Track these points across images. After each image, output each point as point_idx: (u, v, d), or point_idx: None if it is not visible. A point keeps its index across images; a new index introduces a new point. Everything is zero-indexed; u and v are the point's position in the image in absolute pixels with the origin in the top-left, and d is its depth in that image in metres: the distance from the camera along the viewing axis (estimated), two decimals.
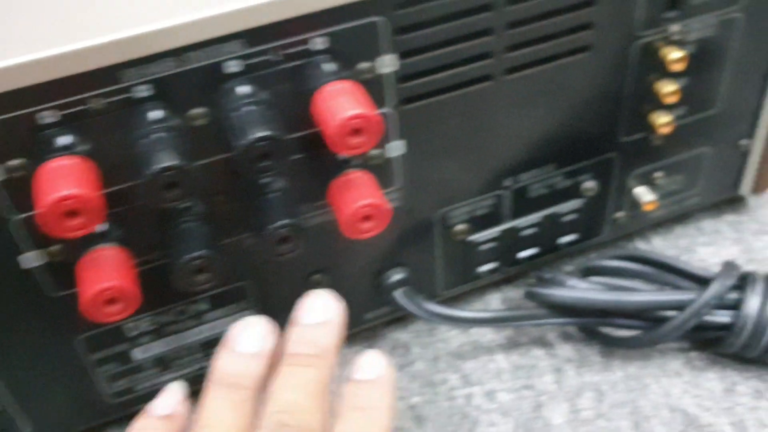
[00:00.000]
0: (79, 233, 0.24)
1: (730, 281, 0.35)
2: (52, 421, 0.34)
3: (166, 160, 0.25)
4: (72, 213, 0.24)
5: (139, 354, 0.33)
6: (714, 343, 0.36)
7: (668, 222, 0.43)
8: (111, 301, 0.26)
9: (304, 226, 0.28)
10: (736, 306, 0.35)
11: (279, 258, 0.28)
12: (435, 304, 0.35)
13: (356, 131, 0.26)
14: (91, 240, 0.28)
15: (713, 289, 0.35)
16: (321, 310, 0.28)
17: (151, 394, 0.34)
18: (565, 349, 0.38)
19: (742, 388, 0.36)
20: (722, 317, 0.35)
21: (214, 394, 0.27)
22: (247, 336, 0.28)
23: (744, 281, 0.36)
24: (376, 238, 0.33)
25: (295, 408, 0.26)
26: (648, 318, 0.36)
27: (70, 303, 0.30)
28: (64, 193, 0.24)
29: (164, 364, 0.34)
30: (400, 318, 0.40)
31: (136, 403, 0.35)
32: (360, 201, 0.28)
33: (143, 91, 0.26)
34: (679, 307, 0.35)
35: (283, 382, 0.27)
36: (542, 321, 0.36)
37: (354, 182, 0.29)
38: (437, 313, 0.35)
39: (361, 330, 0.38)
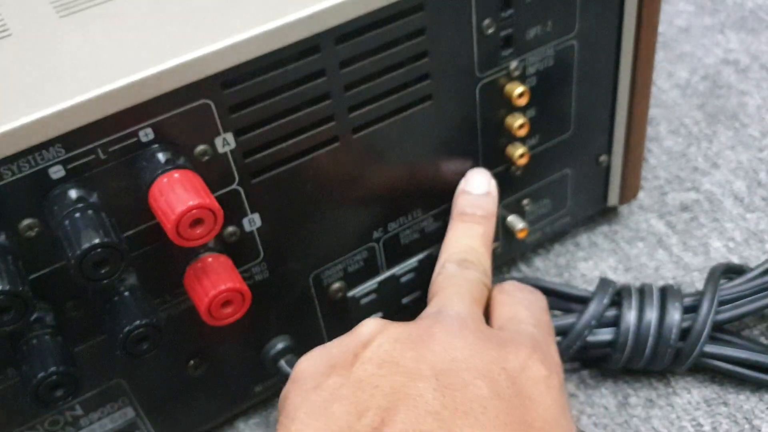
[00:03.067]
0: None
1: (607, 300, 0.36)
2: None
3: None
4: None
5: None
6: (602, 359, 0.37)
7: (546, 242, 0.44)
8: None
9: (160, 324, 0.27)
10: (615, 322, 0.36)
11: (141, 357, 0.27)
12: None
13: (196, 221, 0.26)
14: None
15: (591, 311, 0.36)
16: (485, 183, 0.36)
17: None
18: None
19: (634, 400, 0.36)
20: (604, 335, 0.36)
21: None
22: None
23: (620, 296, 0.37)
24: (251, 312, 0.33)
25: (472, 250, 0.33)
26: None
27: None
28: None
29: None
30: None
31: None
32: (215, 289, 0.28)
33: None
34: (562, 332, 0.36)
35: (461, 233, 0.34)
36: None
37: (207, 269, 0.28)
38: None
39: (252, 403, 0.37)
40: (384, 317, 0.37)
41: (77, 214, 0.25)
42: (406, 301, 0.38)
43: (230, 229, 0.30)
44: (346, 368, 0.27)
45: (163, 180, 0.26)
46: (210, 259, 0.29)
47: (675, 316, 0.35)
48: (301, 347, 0.35)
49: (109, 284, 0.25)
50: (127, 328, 0.27)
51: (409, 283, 0.37)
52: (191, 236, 0.25)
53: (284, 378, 0.36)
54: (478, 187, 0.36)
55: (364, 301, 0.36)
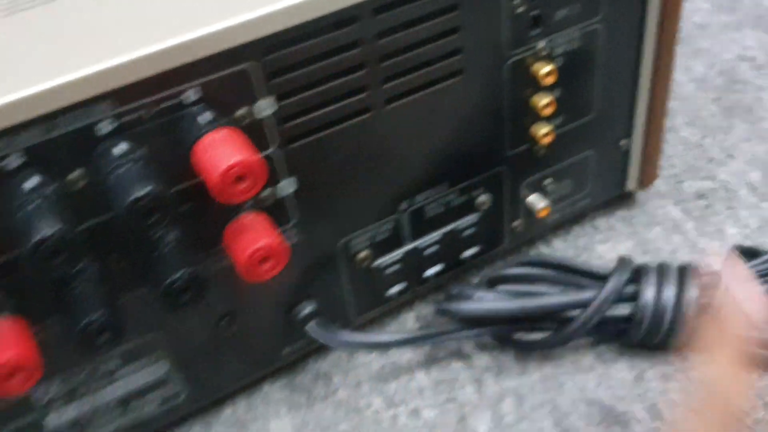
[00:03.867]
0: None
1: (626, 275, 0.37)
2: None
3: (44, 229, 0.25)
4: None
5: (53, 421, 0.33)
6: (619, 335, 0.38)
7: (565, 224, 0.45)
8: (11, 374, 0.26)
9: (203, 275, 0.28)
10: (634, 298, 0.37)
11: (183, 309, 0.28)
12: (348, 333, 0.36)
13: (240, 178, 0.27)
14: None
15: (611, 285, 0.37)
16: None
17: None
18: (483, 359, 0.39)
19: (650, 374, 0.37)
20: (622, 310, 0.37)
21: None
22: None
23: (638, 274, 0.38)
24: (281, 275, 0.34)
25: None
26: (555, 320, 0.37)
27: None
28: None
29: (80, 428, 0.34)
30: (320, 348, 0.40)
31: None
32: (254, 245, 0.29)
33: (15, 161, 0.26)
34: (582, 305, 0.37)
35: None
36: (455, 335, 0.37)
37: (247, 226, 0.29)
38: (351, 341, 0.35)
39: (280, 366, 0.39)
40: (406, 288, 0.39)
41: (125, 167, 0.27)
42: (427, 274, 0.39)
43: (265, 192, 0.32)
44: None
45: (208, 138, 0.27)
46: (249, 217, 0.30)
47: (693, 292, 0.36)
48: (326, 312, 0.37)
49: (155, 234, 0.26)
50: (170, 278, 0.28)
51: (431, 256, 0.38)
52: (234, 192, 0.27)
53: (311, 342, 0.37)
54: None
55: (388, 271, 0.37)
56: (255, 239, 0.29)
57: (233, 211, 0.30)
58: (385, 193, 0.35)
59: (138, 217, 0.26)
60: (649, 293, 0.37)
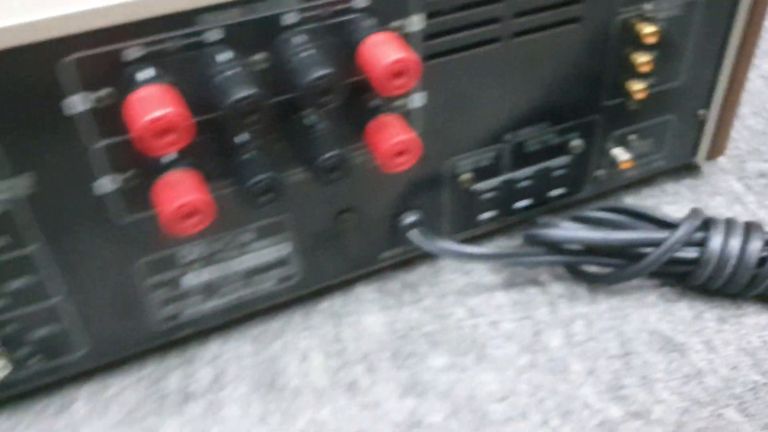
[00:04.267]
0: (172, 149, 0.28)
1: (697, 222, 0.41)
2: (105, 344, 0.37)
3: (243, 90, 0.29)
4: (164, 131, 0.28)
5: (188, 281, 0.37)
6: (683, 277, 0.42)
7: (637, 184, 0.49)
8: (189, 215, 0.31)
9: (349, 157, 0.33)
10: (701, 243, 0.41)
11: (328, 185, 0.33)
12: (447, 241, 0.40)
13: (399, 74, 0.31)
14: (162, 167, 0.32)
15: (683, 229, 0.41)
16: None
17: (195, 321, 0.38)
18: (557, 287, 0.43)
19: (708, 315, 0.42)
20: (691, 253, 0.41)
21: None
22: None
23: (707, 224, 0.42)
24: (397, 182, 0.38)
25: None
26: (628, 255, 0.41)
27: (134, 229, 0.34)
28: (158, 113, 0.28)
29: (209, 292, 0.38)
30: (408, 262, 0.45)
31: (179, 330, 0.39)
32: (394, 138, 0.33)
33: (214, 35, 0.31)
34: (655, 244, 0.41)
35: None
36: (540, 258, 0.41)
37: (388, 123, 0.34)
38: (449, 249, 0.40)
39: (375, 270, 0.43)
40: (496, 216, 0.43)
41: (304, 54, 0.31)
42: (516, 206, 0.43)
43: (398, 102, 0.36)
44: None
45: (374, 38, 0.32)
46: (389, 117, 0.34)
47: (757, 244, 0.40)
48: (427, 224, 0.41)
49: (323, 109, 0.31)
50: (323, 156, 0.32)
51: (523, 189, 0.43)
52: (393, 86, 0.31)
53: (406, 251, 0.42)
54: None
55: (484, 196, 0.42)
56: (395, 133, 0.33)
57: (373, 112, 0.35)
58: (495, 123, 0.40)
59: (316, 95, 0.30)
60: (716, 240, 0.41)
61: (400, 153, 0.33)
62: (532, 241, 0.42)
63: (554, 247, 0.42)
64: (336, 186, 0.37)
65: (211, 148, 0.33)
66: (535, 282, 0.44)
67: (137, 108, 0.29)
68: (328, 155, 0.32)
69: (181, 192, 0.31)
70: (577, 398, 0.38)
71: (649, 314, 0.42)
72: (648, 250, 0.41)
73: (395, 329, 0.42)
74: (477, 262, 0.43)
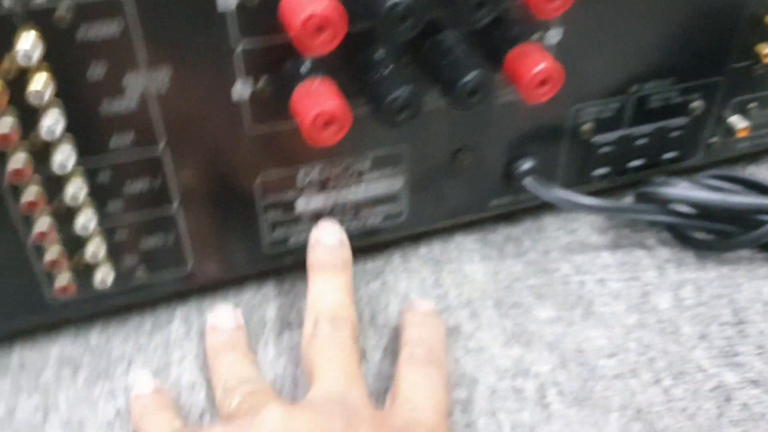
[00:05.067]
0: (328, 47, 0.27)
1: None
2: (213, 261, 0.36)
3: None
4: (321, 27, 0.27)
5: (301, 205, 0.36)
6: None
7: (746, 159, 0.47)
8: (328, 122, 0.30)
9: (489, 80, 0.31)
10: None
11: (467, 109, 0.32)
12: (563, 190, 0.39)
13: None
14: (296, 76, 0.31)
15: None
16: (336, 234, 0.36)
17: (298, 249, 0.37)
18: (664, 252, 0.42)
19: None
20: None
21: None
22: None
23: None
24: (518, 125, 0.37)
25: (341, 305, 0.33)
26: (743, 222, 0.40)
27: (261, 142, 0.33)
28: (315, 10, 0.27)
29: (318, 219, 0.37)
30: (510, 216, 0.44)
31: (284, 256, 0.38)
32: (537, 66, 0.32)
33: None
34: (764, 211, 0.39)
35: (324, 286, 0.34)
36: (656, 216, 0.40)
37: (530, 51, 0.33)
38: (566, 198, 0.38)
39: (483, 217, 0.42)
40: (608, 173, 0.42)
41: None
42: (630, 165, 0.42)
43: (536, 35, 0.35)
44: None
45: None
46: (530, 45, 0.33)
47: None
48: (541, 171, 0.40)
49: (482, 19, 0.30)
50: (464, 78, 0.31)
51: (639, 148, 0.41)
52: (550, 8, 0.30)
53: (515, 201, 0.40)
54: (330, 238, 0.35)
55: (601, 150, 0.40)
56: (538, 61, 0.32)
57: (517, 39, 0.34)
58: (624, 72, 0.38)
59: (473, 8, 0.29)
60: None
61: (543, 82, 0.32)
62: (646, 198, 0.40)
63: (666, 206, 0.40)
64: (458, 122, 0.36)
65: (350, 63, 0.32)
66: (641, 245, 0.42)
67: (295, 5, 0.28)
68: (471, 75, 0.31)
69: (321, 100, 0.30)
70: (690, 360, 0.36)
71: (763, 286, 0.40)
72: (766, 217, 0.40)
73: (498, 279, 0.40)
74: (593, 212, 0.41)
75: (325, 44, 0.27)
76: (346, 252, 0.35)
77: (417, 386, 0.31)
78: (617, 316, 0.38)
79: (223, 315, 0.36)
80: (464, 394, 0.35)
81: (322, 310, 0.33)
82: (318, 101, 0.30)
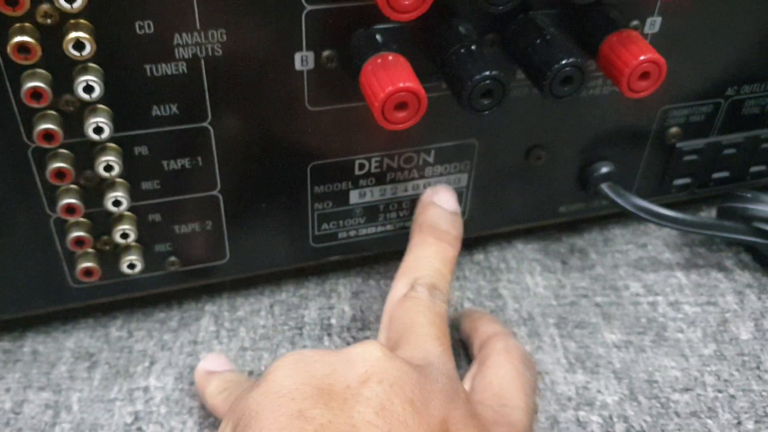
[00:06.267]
0: (420, 8, 0.24)
1: None
2: (252, 252, 0.32)
3: None
4: None
5: (354, 198, 0.32)
6: None
7: None
8: (401, 104, 0.26)
9: (585, 69, 0.28)
10: None
11: (559, 98, 0.28)
12: (642, 199, 0.35)
13: None
14: (368, 48, 0.27)
15: None
16: (455, 202, 0.32)
17: (346, 246, 0.34)
18: (744, 276, 0.38)
19: None
20: None
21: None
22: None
23: None
24: (599, 124, 0.33)
25: (443, 277, 0.30)
26: None
27: (320, 123, 0.29)
28: None
29: (371, 215, 0.33)
30: (574, 226, 0.40)
31: (330, 252, 0.34)
32: (642, 55, 0.28)
33: None
34: None
35: (433, 252, 0.30)
36: (743, 237, 0.35)
37: (633, 38, 0.29)
38: (645, 207, 0.34)
39: (547, 224, 0.38)
40: (689, 184, 0.38)
41: None
42: (714, 177, 0.38)
43: (634, 22, 0.31)
44: (337, 401, 0.22)
45: None
46: (631, 33, 0.29)
47: None
48: (618, 178, 0.36)
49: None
50: (559, 63, 0.27)
51: (725, 158, 0.37)
52: None
53: (585, 209, 0.37)
54: (449, 203, 0.32)
55: (686, 158, 0.36)
56: (642, 51, 0.28)
57: (612, 26, 0.30)
58: (721, 71, 0.34)
59: None
60: None
61: (645, 74, 0.28)
62: (730, 214, 0.36)
63: (752, 225, 0.36)
64: (535, 116, 0.33)
65: (428, 37, 0.28)
66: (719, 266, 0.38)
67: None
68: (567, 60, 0.27)
69: (396, 76, 0.26)
70: None
71: None
72: None
73: (562, 294, 0.36)
74: (674, 227, 0.36)
75: (412, 9, 0.24)
76: (460, 225, 0.31)
77: (512, 382, 0.28)
78: (693, 344, 0.34)
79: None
80: None
81: (422, 273, 0.29)
82: (393, 78, 0.26)
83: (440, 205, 0.31)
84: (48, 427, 0.30)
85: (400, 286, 0.29)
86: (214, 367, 0.30)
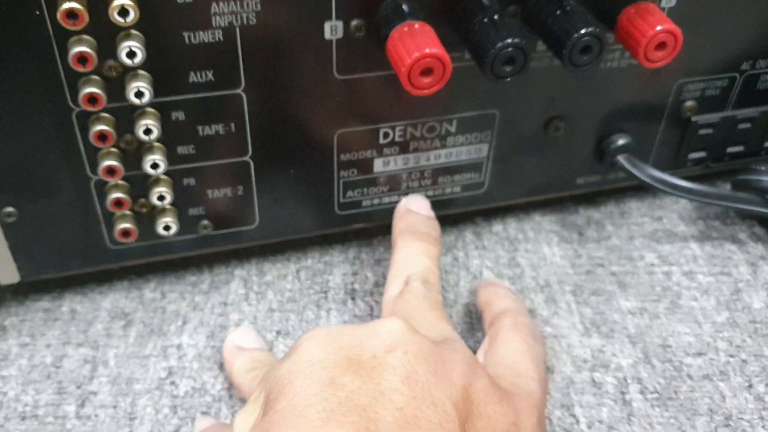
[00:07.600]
0: None
1: None
2: (280, 218, 0.34)
3: None
4: None
5: (378, 166, 0.34)
6: None
7: None
8: (427, 69, 0.27)
9: (603, 39, 0.29)
10: None
11: (578, 67, 0.29)
12: (658, 171, 0.36)
13: None
14: (395, 17, 0.28)
15: None
16: (429, 207, 0.34)
17: (370, 214, 0.35)
18: (758, 248, 0.39)
19: None
20: None
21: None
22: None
23: None
24: (617, 96, 0.34)
25: (432, 272, 0.32)
26: None
27: (348, 91, 0.31)
28: None
29: (394, 184, 0.34)
30: (591, 198, 0.41)
31: (354, 220, 0.35)
32: (658, 25, 0.29)
33: None
34: None
35: (419, 251, 0.32)
36: (756, 207, 0.36)
37: (649, 10, 0.30)
38: (661, 178, 0.35)
39: (565, 196, 0.39)
40: (704, 158, 0.39)
41: None
42: (729, 151, 0.39)
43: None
44: (365, 369, 0.23)
45: None
46: (649, 4, 0.30)
47: None
48: (635, 150, 0.37)
49: None
50: (578, 32, 0.28)
51: (740, 132, 0.38)
52: None
53: (602, 181, 0.38)
54: (424, 209, 0.34)
55: (701, 131, 0.37)
56: (658, 21, 0.29)
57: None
58: (737, 45, 0.35)
59: None
60: None
61: (662, 44, 0.29)
62: (744, 186, 0.37)
63: (766, 197, 0.37)
64: (555, 87, 0.34)
65: (452, 8, 0.29)
66: (732, 238, 0.39)
67: None
68: (586, 29, 0.28)
69: (422, 43, 0.27)
70: None
71: None
72: None
73: (578, 264, 0.37)
74: (691, 198, 0.37)
75: None
76: (438, 227, 0.34)
77: (523, 355, 0.29)
78: (706, 312, 0.35)
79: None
80: None
81: (414, 270, 0.31)
82: (419, 45, 0.27)
83: (417, 212, 0.34)
84: (86, 380, 0.31)
85: (394, 285, 0.31)
86: (243, 343, 0.31)
